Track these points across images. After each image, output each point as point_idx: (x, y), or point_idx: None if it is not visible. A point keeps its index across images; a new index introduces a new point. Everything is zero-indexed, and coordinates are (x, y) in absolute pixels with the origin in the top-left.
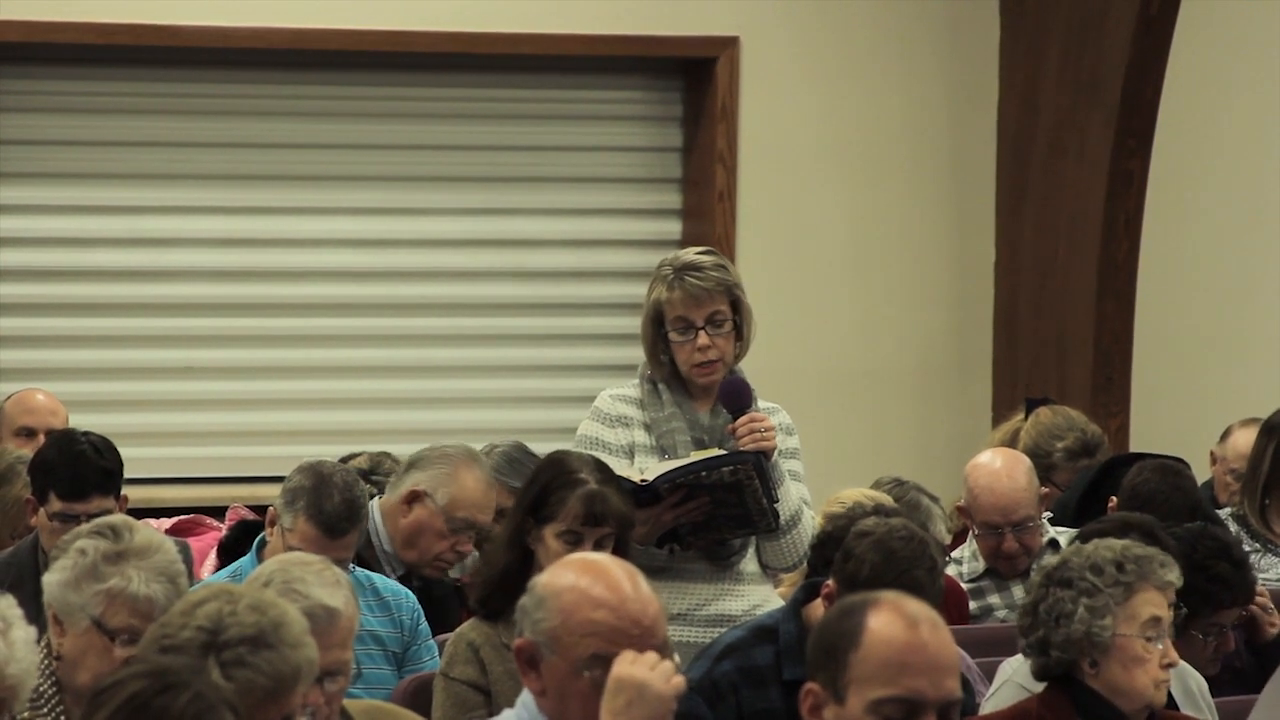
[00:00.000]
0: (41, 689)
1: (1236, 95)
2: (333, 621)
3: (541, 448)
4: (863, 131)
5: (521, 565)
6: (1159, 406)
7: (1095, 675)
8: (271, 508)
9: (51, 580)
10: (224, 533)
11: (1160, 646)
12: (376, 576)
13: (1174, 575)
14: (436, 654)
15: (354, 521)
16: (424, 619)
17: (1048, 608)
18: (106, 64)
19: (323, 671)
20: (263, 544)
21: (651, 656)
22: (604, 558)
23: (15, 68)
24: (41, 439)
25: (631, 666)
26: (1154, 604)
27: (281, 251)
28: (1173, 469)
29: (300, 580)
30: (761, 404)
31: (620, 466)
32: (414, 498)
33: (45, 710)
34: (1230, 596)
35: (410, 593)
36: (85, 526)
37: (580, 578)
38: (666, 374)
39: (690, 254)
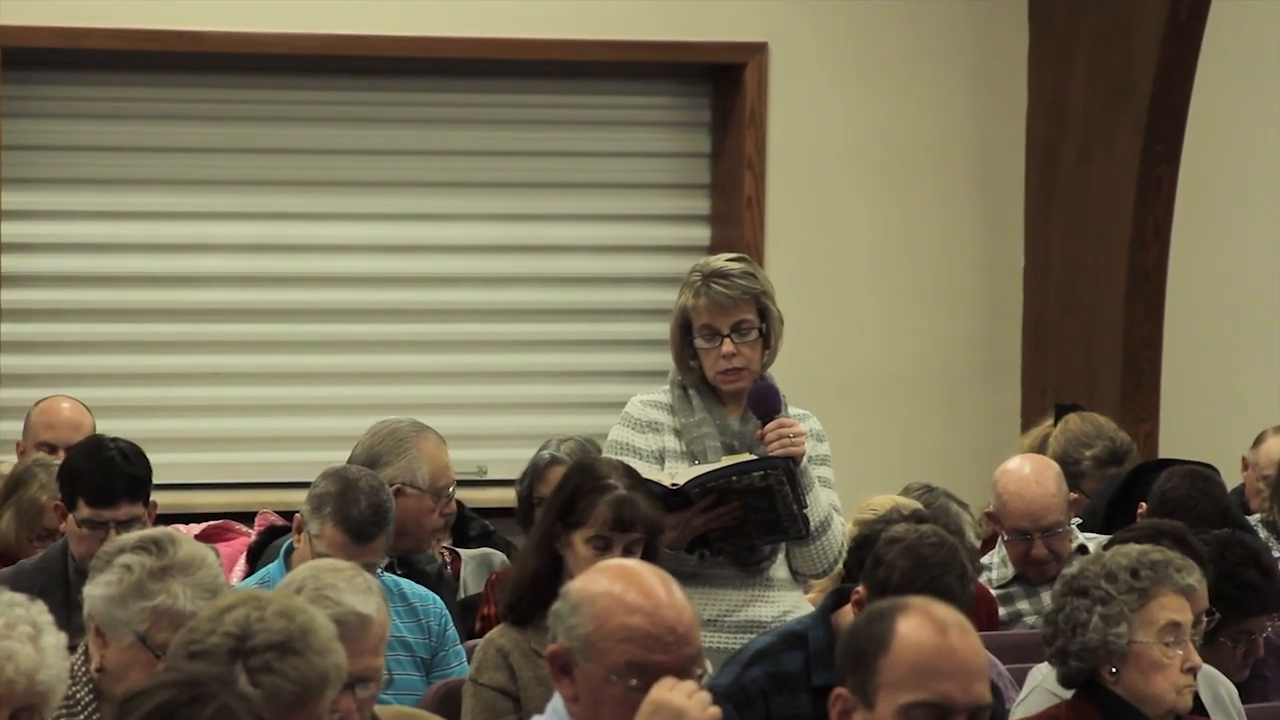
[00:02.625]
0: (78, 695)
1: (1266, 100)
2: (364, 629)
3: None
4: (891, 137)
5: (551, 571)
6: (1188, 412)
7: (1116, 682)
8: (298, 514)
9: (95, 593)
10: (253, 538)
11: (1180, 651)
12: (404, 582)
13: (1194, 578)
14: (465, 659)
15: (381, 526)
16: (452, 624)
17: (1065, 617)
18: (133, 70)
19: (355, 678)
20: (290, 550)
21: (689, 685)
22: (639, 564)
23: (43, 73)
24: (63, 455)
25: (670, 693)
26: (1172, 608)
27: (309, 257)
28: (1202, 475)
29: (332, 587)
30: (792, 410)
31: (651, 472)
32: (397, 494)
33: (82, 717)
34: (1259, 603)
35: (438, 598)
36: (128, 539)
37: (615, 584)
38: (696, 380)
39: (720, 260)
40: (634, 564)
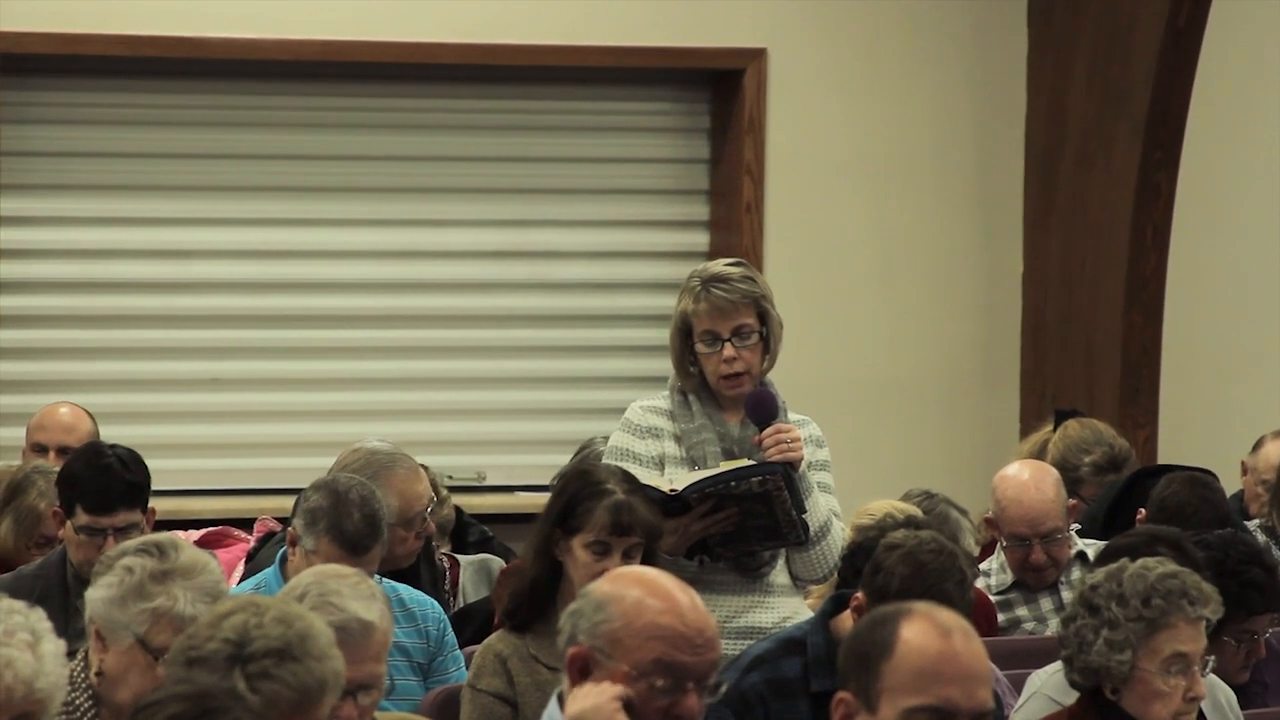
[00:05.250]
0: (77, 702)
1: (1264, 106)
2: (367, 635)
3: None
4: (890, 143)
5: (550, 577)
6: (1187, 418)
7: (1117, 699)
8: (291, 529)
9: (96, 596)
10: (252, 544)
11: (1184, 681)
12: (402, 587)
13: (1209, 609)
14: (463, 664)
15: (376, 537)
16: (450, 629)
17: (1075, 630)
18: (132, 76)
19: (357, 685)
20: (285, 558)
21: (587, 686)
22: (662, 572)
23: (42, 80)
24: (53, 456)
25: (577, 701)
26: (1180, 639)
27: (307, 263)
28: (1201, 481)
29: (335, 594)
30: (791, 416)
31: (649, 477)
32: None
33: None
34: (1263, 602)
35: (436, 603)
36: (131, 543)
37: (644, 585)
38: (696, 385)
39: (720, 265)
40: (658, 571)
